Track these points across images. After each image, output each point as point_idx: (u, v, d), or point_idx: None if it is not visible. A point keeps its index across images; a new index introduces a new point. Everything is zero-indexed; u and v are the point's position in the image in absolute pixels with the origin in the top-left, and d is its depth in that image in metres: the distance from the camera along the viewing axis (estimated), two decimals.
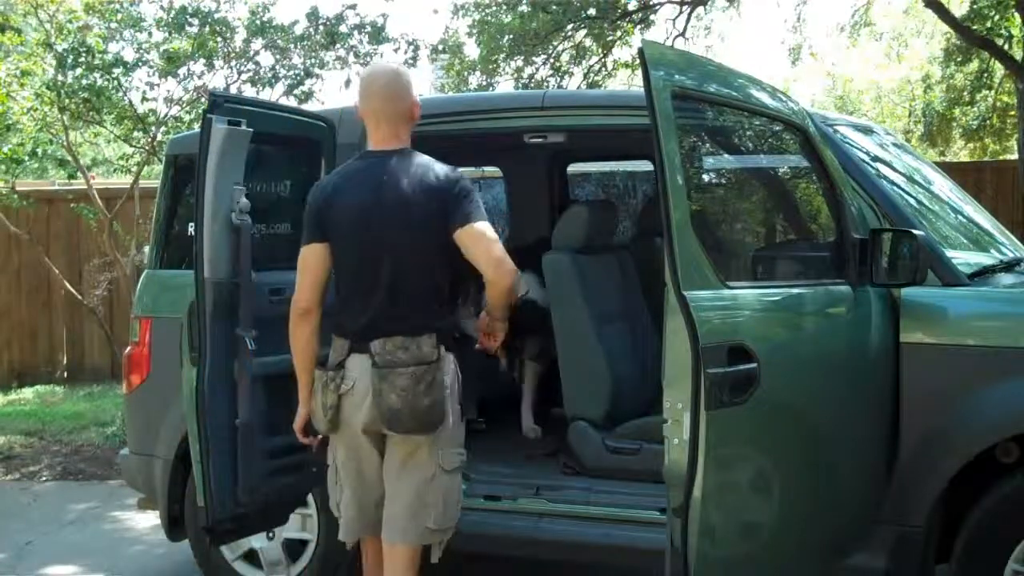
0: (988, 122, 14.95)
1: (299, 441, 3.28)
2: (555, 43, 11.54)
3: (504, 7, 11.49)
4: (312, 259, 3.03)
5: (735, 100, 3.16)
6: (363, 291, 3.01)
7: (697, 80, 3.00)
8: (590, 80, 11.93)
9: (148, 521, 5.33)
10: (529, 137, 4.25)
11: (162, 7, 8.23)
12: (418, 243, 2.97)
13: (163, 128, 8.15)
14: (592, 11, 11.15)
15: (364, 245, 2.99)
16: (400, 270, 2.98)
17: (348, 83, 9.42)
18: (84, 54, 7.81)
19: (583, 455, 3.96)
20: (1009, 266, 3.76)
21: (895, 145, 4.34)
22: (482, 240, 2.93)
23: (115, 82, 7.95)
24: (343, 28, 8.62)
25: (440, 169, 3.01)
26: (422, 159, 3.04)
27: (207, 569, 4.13)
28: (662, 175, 2.69)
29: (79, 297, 9.02)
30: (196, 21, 8.08)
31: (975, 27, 10.61)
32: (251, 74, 8.38)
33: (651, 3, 11.67)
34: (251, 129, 3.33)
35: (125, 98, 8.16)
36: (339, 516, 3.19)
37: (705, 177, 3.51)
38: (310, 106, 8.08)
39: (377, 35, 8.75)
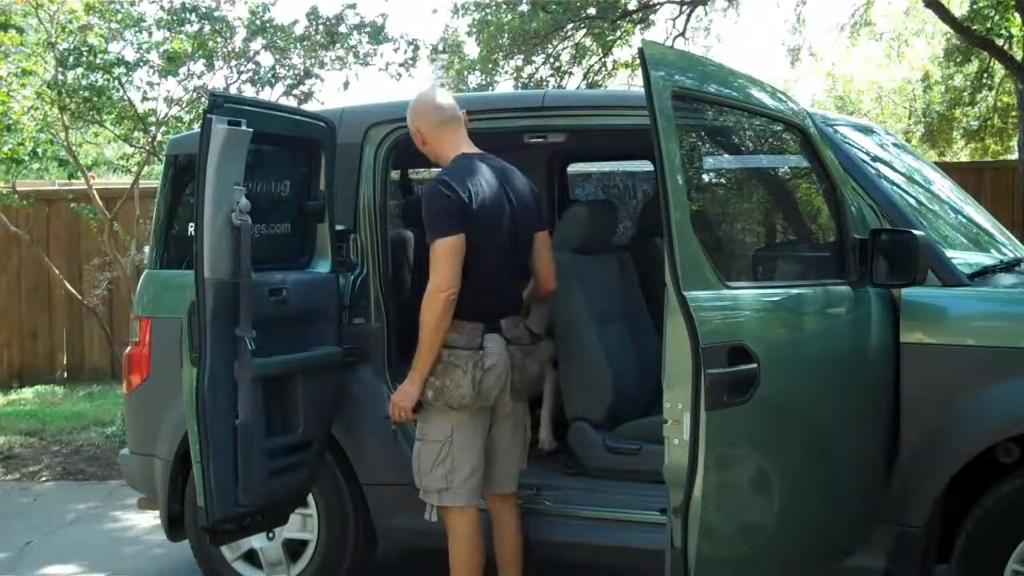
0: (989, 122, 14.95)
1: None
2: (555, 43, 11.54)
3: (504, 7, 11.49)
4: (459, 248, 3.27)
5: (735, 100, 3.16)
6: (501, 277, 3.43)
7: (697, 80, 3.00)
8: (590, 80, 11.93)
9: (148, 521, 5.33)
10: (529, 137, 4.25)
11: (162, 7, 8.24)
12: (530, 235, 3.51)
13: (163, 128, 8.15)
14: (592, 11, 11.15)
15: (503, 236, 3.39)
16: (520, 259, 3.49)
17: (347, 85, 9.45)
18: (85, 54, 7.81)
19: (583, 455, 3.96)
20: (1009, 266, 3.76)
21: (895, 145, 4.34)
22: (547, 246, 3.60)
23: (115, 82, 7.95)
24: (343, 28, 8.63)
25: (518, 173, 3.56)
26: (504, 162, 3.53)
27: (207, 569, 4.13)
28: (662, 175, 2.70)
29: (79, 297, 9.03)
30: (195, 17, 8.07)
31: (975, 27, 10.61)
32: (251, 74, 8.39)
33: (651, 3, 11.67)
34: (251, 129, 3.33)
35: (125, 98, 8.17)
36: (444, 488, 3.44)
37: (705, 177, 3.52)
38: (309, 106, 8.08)
39: (377, 35, 8.75)
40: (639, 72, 2.87)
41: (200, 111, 7.47)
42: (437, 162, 3.52)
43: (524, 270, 3.54)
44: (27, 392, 9.20)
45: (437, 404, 3.36)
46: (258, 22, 8.27)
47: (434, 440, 3.44)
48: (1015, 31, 11.05)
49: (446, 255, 3.24)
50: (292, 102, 8.26)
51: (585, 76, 11.98)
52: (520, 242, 3.46)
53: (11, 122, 7.79)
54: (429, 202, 3.30)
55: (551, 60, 11.78)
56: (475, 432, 3.45)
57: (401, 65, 9.11)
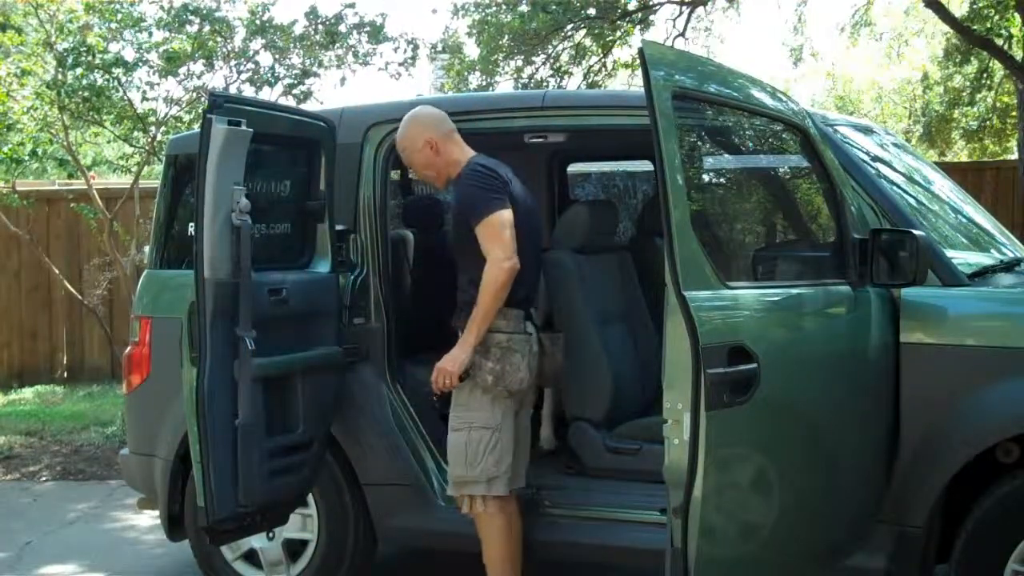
0: (988, 123, 14.95)
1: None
2: (555, 43, 11.54)
3: (504, 7, 11.49)
4: (511, 222, 3.37)
5: (735, 100, 3.16)
6: (531, 265, 3.54)
7: (697, 80, 3.00)
8: (590, 80, 11.92)
9: (148, 521, 5.33)
10: (529, 137, 4.25)
11: (162, 7, 8.24)
12: (540, 236, 3.74)
13: (163, 128, 8.15)
14: (592, 11, 11.14)
15: (531, 225, 3.55)
16: (539, 252, 3.69)
17: (343, 81, 9.48)
18: (84, 54, 7.81)
19: (583, 455, 3.96)
20: (1009, 266, 3.76)
21: (895, 145, 4.34)
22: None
23: (115, 82, 7.95)
24: (342, 28, 8.63)
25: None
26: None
27: (207, 569, 4.13)
28: (662, 175, 2.70)
29: (79, 297, 9.02)
30: (196, 19, 8.08)
31: (975, 27, 10.60)
32: (250, 74, 8.39)
33: (651, 3, 11.67)
34: (251, 129, 3.33)
35: (125, 98, 8.17)
36: (495, 477, 3.47)
37: (705, 177, 3.52)
38: (309, 106, 8.08)
39: (376, 34, 8.75)
40: (639, 72, 2.87)
41: (200, 111, 7.47)
42: (447, 172, 3.58)
43: (539, 263, 3.69)
44: (27, 392, 9.19)
45: (496, 389, 3.41)
46: (258, 22, 8.27)
47: (484, 427, 3.46)
48: (1015, 31, 11.04)
49: (504, 226, 3.34)
50: (291, 102, 8.26)
51: (585, 76, 11.98)
52: (537, 237, 3.63)
53: (11, 122, 7.79)
54: (473, 182, 3.41)
55: (551, 60, 11.77)
56: (514, 419, 3.54)
57: (401, 65, 9.12)
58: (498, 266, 3.31)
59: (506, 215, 3.37)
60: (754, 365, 2.75)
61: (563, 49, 11.81)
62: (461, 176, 3.49)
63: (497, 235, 3.33)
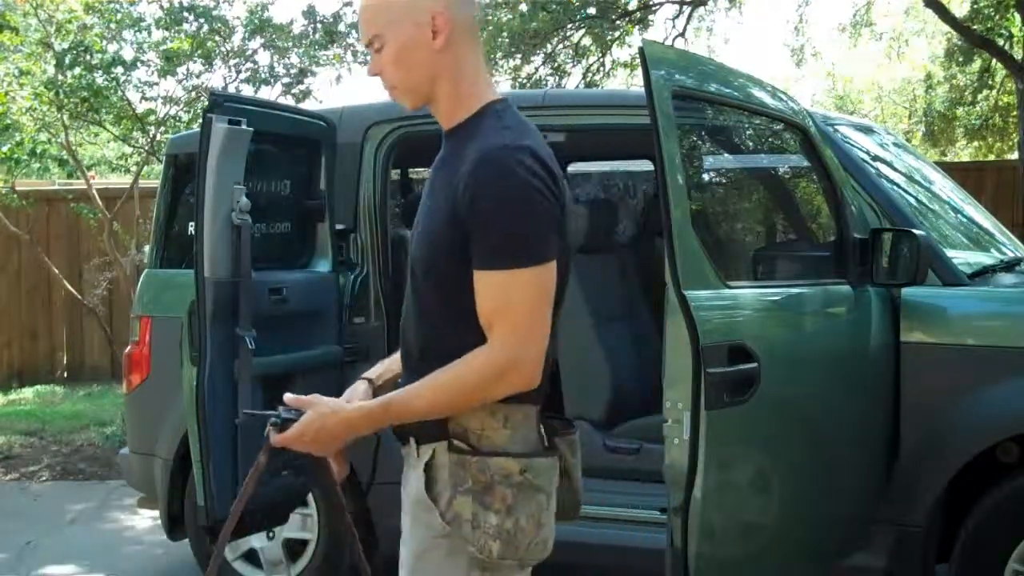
0: (990, 122, 14.95)
1: None
2: (553, 42, 11.54)
3: (504, 6, 11.49)
4: (552, 284, 1.83)
5: (735, 100, 3.16)
6: (555, 327, 1.90)
7: (697, 80, 3.00)
8: (588, 80, 11.93)
9: (148, 521, 5.33)
10: None
11: (161, 6, 8.24)
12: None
13: (162, 128, 8.15)
14: (592, 10, 11.15)
15: (565, 258, 1.90)
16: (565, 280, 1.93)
17: (339, 78, 9.45)
18: (83, 53, 7.81)
19: (583, 455, 3.95)
20: (1009, 266, 3.76)
21: (895, 145, 4.34)
22: None
23: (114, 82, 7.95)
24: (341, 27, 8.63)
25: None
26: None
27: (207, 569, 4.13)
28: (662, 175, 2.69)
29: (79, 297, 9.02)
30: (192, 17, 8.07)
31: (975, 27, 10.61)
32: (249, 73, 8.39)
33: (651, 3, 11.67)
34: (251, 128, 3.33)
35: (124, 98, 8.17)
36: None
37: (705, 177, 3.51)
38: (308, 105, 8.08)
39: None
40: (638, 72, 2.87)
41: (199, 110, 7.47)
42: (435, 88, 1.93)
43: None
44: (27, 392, 9.18)
45: (506, 563, 1.86)
46: (256, 21, 8.27)
47: None
48: (1015, 31, 11.05)
49: (542, 297, 1.80)
50: (290, 101, 8.26)
51: (584, 76, 11.98)
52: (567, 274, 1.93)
53: (10, 122, 7.79)
54: (505, 192, 1.76)
55: (550, 60, 11.77)
56: None
57: None
58: (503, 360, 1.78)
59: (549, 275, 1.80)
60: (754, 364, 2.75)
61: (562, 48, 11.81)
62: (484, 146, 1.81)
63: (520, 307, 1.77)
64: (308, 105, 8.04)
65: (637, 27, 11.69)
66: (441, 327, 1.85)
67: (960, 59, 13.89)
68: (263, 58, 8.49)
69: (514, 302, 1.76)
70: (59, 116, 8.00)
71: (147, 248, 4.98)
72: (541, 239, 1.77)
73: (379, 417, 1.88)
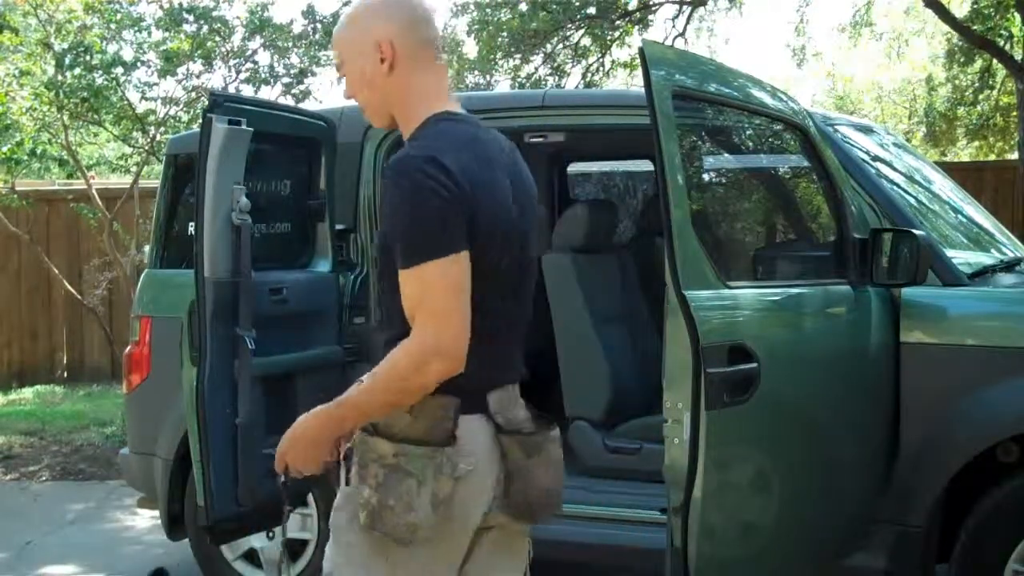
0: (991, 122, 14.95)
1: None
2: (553, 42, 11.55)
3: (503, 6, 11.49)
4: (465, 274, 1.92)
5: (735, 100, 3.16)
6: (501, 321, 2.05)
7: (697, 80, 3.00)
8: (588, 80, 11.93)
9: (148, 521, 5.32)
10: (529, 137, 4.24)
11: (161, 7, 8.24)
12: (535, 254, 2.18)
13: (162, 128, 8.15)
14: (592, 10, 11.15)
15: (512, 252, 2.04)
16: (527, 291, 2.12)
17: (339, 78, 9.43)
18: (83, 54, 7.81)
19: (583, 455, 3.96)
20: (1009, 266, 3.76)
21: (895, 145, 4.34)
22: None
23: (114, 82, 7.95)
24: None
25: (520, 156, 2.27)
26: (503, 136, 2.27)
27: (207, 569, 4.13)
28: (662, 175, 2.69)
29: (79, 297, 9.02)
30: (192, 17, 8.08)
31: (975, 27, 10.61)
32: (249, 73, 8.39)
33: (651, 3, 11.67)
34: (251, 128, 3.33)
35: (124, 98, 8.17)
36: None
37: (705, 177, 3.51)
38: (307, 105, 8.09)
39: None
40: (638, 72, 2.87)
41: (199, 110, 7.47)
42: (392, 110, 2.11)
43: (527, 308, 2.14)
44: (27, 392, 9.19)
45: (374, 533, 2.02)
46: (256, 21, 8.27)
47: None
48: (1015, 31, 11.05)
49: (451, 288, 1.90)
50: (290, 101, 8.26)
51: (583, 76, 11.98)
52: (528, 263, 2.12)
53: (10, 122, 7.79)
54: (403, 196, 1.91)
55: (549, 60, 11.78)
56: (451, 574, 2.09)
57: None
58: (426, 345, 1.88)
59: (458, 266, 1.90)
60: (754, 364, 2.75)
61: (562, 48, 11.82)
62: (396, 163, 1.96)
63: (432, 298, 1.89)
64: (308, 105, 8.05)
65: (637, 27, 11.70)
66: (398, 326, 1.98)
67: (960, 59, 13.89)
68: (263, 58, 8.51)
69: (427, 293, 1.90)
70: (59, 116, 8.00)
71: (147, 248, 4.98)
72: (441, 234, 1.90)
73: (335, 413, 2.02)
